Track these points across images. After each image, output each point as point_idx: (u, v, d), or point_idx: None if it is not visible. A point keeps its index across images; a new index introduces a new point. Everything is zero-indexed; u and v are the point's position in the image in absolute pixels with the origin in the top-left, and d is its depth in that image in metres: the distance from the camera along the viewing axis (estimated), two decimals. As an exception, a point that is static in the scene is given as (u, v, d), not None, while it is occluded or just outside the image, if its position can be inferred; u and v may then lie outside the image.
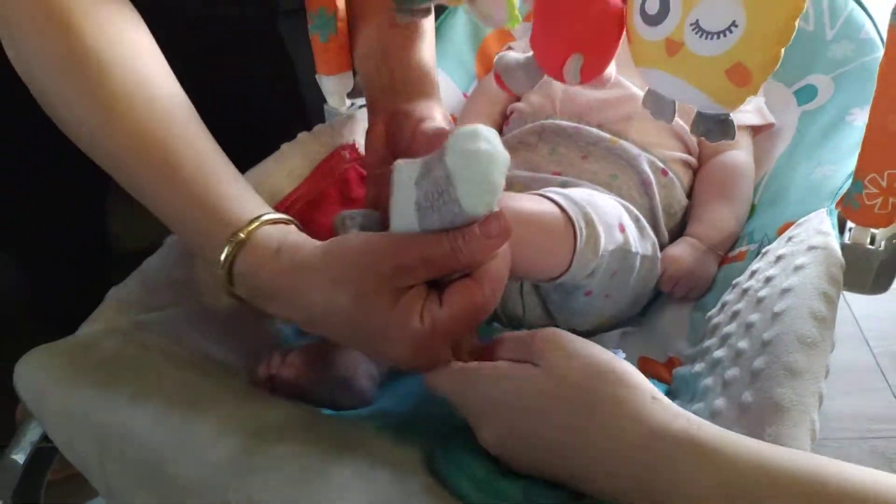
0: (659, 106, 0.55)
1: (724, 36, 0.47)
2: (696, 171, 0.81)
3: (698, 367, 0.59)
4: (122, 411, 0.47)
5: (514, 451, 0.44)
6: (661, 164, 0.75)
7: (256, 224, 0.50)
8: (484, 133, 0.43)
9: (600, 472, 0.41)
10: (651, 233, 0.70)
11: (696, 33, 0.48)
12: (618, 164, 0.74)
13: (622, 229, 0.64)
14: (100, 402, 0.48)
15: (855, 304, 1.09)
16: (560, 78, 0.57)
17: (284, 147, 0.74)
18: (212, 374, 0.53)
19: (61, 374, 0.50)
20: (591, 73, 0.56)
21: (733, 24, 0.47)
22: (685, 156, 0.79)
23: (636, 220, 0.68)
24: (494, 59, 0.63)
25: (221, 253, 0.49)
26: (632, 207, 0.69)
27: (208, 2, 0.78)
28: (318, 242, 0.49)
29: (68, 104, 0.52)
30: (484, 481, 0.44)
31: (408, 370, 0.50)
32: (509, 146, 0.77)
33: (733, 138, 0.53)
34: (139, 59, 0.53)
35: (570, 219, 0.58)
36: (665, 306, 0.73)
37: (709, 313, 0.66)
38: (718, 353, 0.57)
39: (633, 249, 0.65)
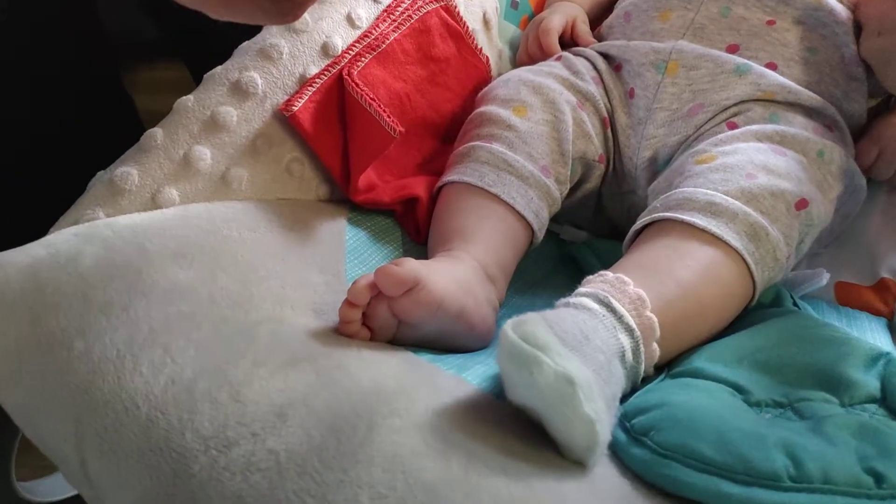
0: None
1: None
2: None
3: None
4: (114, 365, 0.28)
5: None
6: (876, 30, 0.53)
7: None
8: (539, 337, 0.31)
9: None
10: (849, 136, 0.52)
11: None
12: (818, 34, 0.53)
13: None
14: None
15: None
16: None
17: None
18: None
19: (20, 301, 0.30)
20: None
21: None
22: None
23: (834, 128, 0.50)
24: None
25: None
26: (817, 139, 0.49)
27: None
28: None
29: None
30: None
31: None
32: (660, 3, 0.56)
33: None
34: None
35: (738, 254, 0.42)
36: (868, 215, 0.55)
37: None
38: None
39: (848, 168, 0.49)
